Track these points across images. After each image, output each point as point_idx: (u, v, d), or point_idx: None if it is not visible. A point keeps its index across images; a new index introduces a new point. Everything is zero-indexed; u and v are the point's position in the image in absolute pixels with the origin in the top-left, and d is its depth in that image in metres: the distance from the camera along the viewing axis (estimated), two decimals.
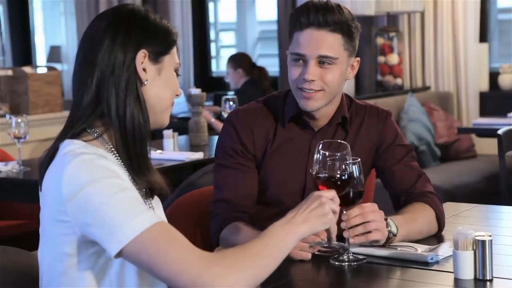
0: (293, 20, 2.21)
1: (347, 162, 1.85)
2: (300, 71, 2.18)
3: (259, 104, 2.32)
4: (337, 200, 1.72)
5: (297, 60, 2.19)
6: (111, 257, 1.54)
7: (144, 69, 1.68)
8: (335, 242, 1.88)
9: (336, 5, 2.19)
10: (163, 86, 1.71)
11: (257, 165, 2.27)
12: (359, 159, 1.94)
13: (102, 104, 1.66)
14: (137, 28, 1.69)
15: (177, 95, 1.75)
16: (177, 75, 1.76)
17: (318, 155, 1.86)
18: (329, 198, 1.69)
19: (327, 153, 1.85)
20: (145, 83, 1.68)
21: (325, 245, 1.89)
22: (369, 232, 1.98)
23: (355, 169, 1.91)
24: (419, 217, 2.17)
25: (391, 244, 2.06)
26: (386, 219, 2.04)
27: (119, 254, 1.53)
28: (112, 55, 1.66)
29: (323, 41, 2.16)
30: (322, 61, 2.17)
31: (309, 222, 1.64)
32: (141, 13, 1.71)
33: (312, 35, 2.16)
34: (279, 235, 1.61)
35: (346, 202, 1.93)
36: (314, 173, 1.87)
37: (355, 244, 2.00)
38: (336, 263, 1.96)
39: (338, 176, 1.85)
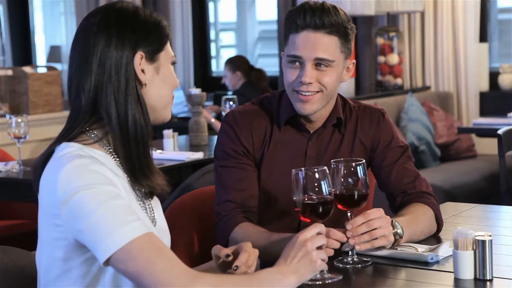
0: (288, 22, 2.18)
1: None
2: (297, 74, 2.17)
3: (255, 106, 2.30)
4: (322, 236, 1.70)
5: (293, 62, 2.17)
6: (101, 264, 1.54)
7: (142, 70, 1.66)
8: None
9: (333, 7, 2.17)
10: (162, 83, 1.69)
11: (255, 166, 2.26)
12: (363, 161, 1.94)
13: (100, 110, 1.64)
14: (130, 29, 1.65)
15: (175, 86, 1.73)
16: (174, 64, 1.74)
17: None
18: (314, 243, 1.66)
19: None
20: (145, 84, 1.66)
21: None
22: (375, 238, 1.96)
23: (359, 171, 1.92)
24: (421, 218, 2.16)
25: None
26: (392, 222, 2.01)
27: (107, 262, 1.52)
28: (108, 60, 1.63)
29: (320, 44, 2.14)
30: (319, 63, 2.15)
31: (298, 273, 1.64)
32: (130, 10, 1.67)
33: (308, 37, 2.14)
34: (268, 284, 1.59)
35: (352, 205, 1.94)
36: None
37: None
38: (341, 265, 1.94)
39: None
